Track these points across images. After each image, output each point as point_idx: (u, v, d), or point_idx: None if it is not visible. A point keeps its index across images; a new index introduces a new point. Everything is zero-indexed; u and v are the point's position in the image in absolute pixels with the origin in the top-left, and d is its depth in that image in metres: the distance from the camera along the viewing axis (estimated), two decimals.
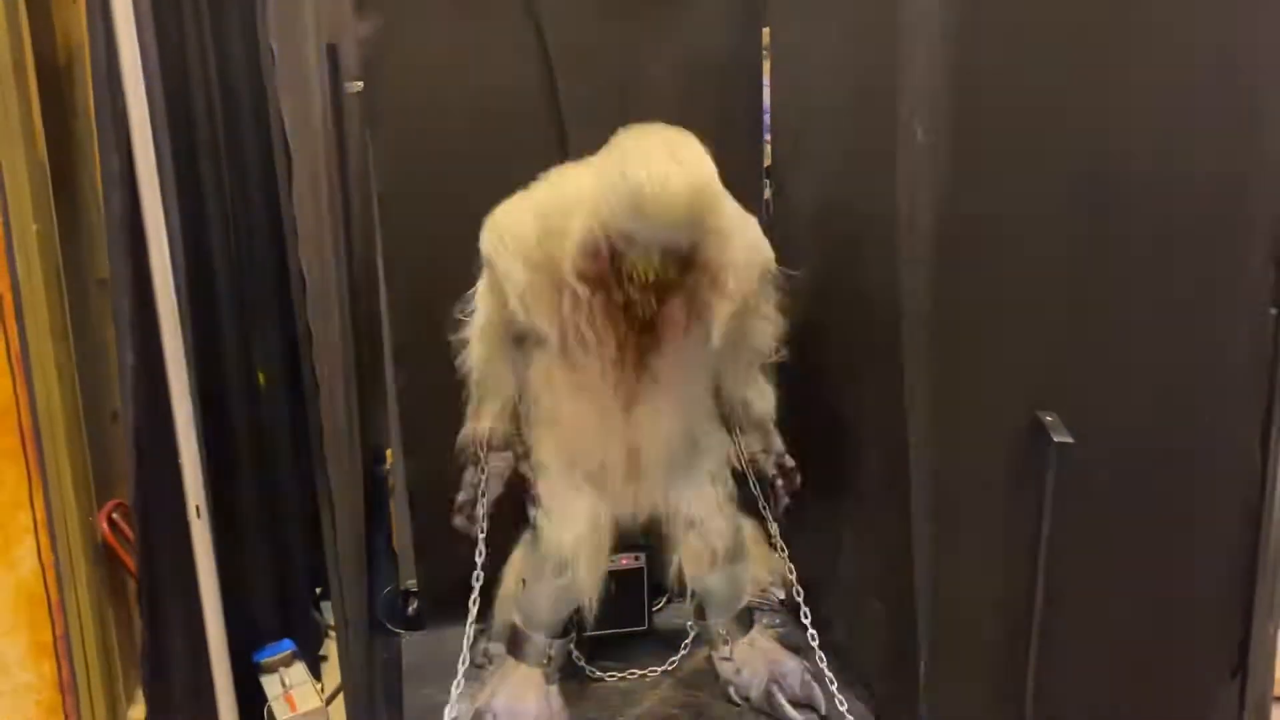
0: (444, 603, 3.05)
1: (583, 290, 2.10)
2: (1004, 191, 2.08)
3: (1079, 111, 2.06)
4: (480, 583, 2.47)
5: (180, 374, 1.82)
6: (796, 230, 2.87)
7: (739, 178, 3.06)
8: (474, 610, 2.44)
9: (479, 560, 2.47)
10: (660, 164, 1.96)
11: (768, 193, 3.14)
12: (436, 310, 2.60)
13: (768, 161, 3.15)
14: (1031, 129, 2.06)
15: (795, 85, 2.88)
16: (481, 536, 2.51)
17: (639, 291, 2.05)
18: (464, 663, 2.39)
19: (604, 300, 2.12)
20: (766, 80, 3.10)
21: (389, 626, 3.09)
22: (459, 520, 2.54)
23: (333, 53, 3.03)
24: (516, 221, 2.21)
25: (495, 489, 2.56)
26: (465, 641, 2.40)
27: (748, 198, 3.08)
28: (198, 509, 1.87)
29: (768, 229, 3.04)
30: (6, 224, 1.79)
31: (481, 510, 2.51)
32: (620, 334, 2.17)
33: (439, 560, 3.05)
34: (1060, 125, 2.06)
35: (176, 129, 2.03)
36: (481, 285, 2.36)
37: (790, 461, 2.60)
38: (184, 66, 2.15)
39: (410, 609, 3.12)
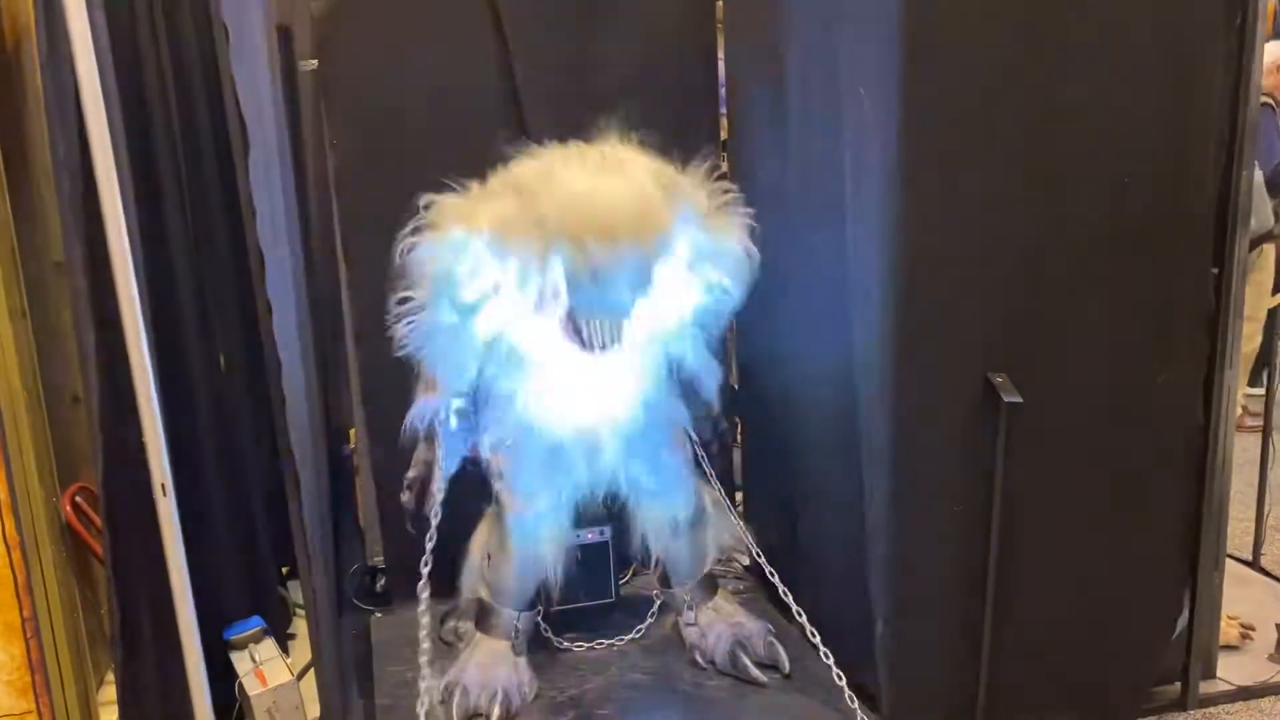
0: (412, 578, 3.08)
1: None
2: (955, 160, 2.12)
3: (1029, 78, 2.11)
4: (428, 567, 2.45)
5: (140, 352, 1.81)
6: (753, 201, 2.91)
7: (696, 151, 3.12)
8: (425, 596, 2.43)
9: (428, 545, 2.46)
10: (620, 244, 1.98)
11: (724, 165, 3.17)
12: (396, 288, 2.61)
13: (724, 134, 3.18)
14: (981, 96, 2.10)
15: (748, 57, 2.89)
16: (434, 520, 2.49)
17: (595, 339, 2.11)
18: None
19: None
20: (721, 54, 3.13)
21: (358, 603, 3.12)
22: (406, 497, 2.55)
23: (285, 33, 3.02)
24: (463, 224, 2.17)
25: (448, 466, 2.57)
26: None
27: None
28: (163, 487, 1.87)
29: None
30: None
31: (435, 487, 2.51)
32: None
33: (406, 536, 3.07)
34: (1010, 97, 2.11)
35: (129, 108, 2.02)
36: (429, 285, 2.26)
37: (724, 423, 2.63)
38: (135, 45, 2.13)
39: (378, 586, 3.14)
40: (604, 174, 2.08)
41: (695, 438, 2.65)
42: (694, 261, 2.23)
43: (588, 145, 2.21)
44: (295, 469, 2.12)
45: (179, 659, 1.98)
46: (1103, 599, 2.35)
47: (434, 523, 2.52)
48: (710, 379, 2.53)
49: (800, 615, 2.51)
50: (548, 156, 2.20)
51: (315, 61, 2.93)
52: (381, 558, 3.15)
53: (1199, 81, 2.17)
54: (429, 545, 2.50)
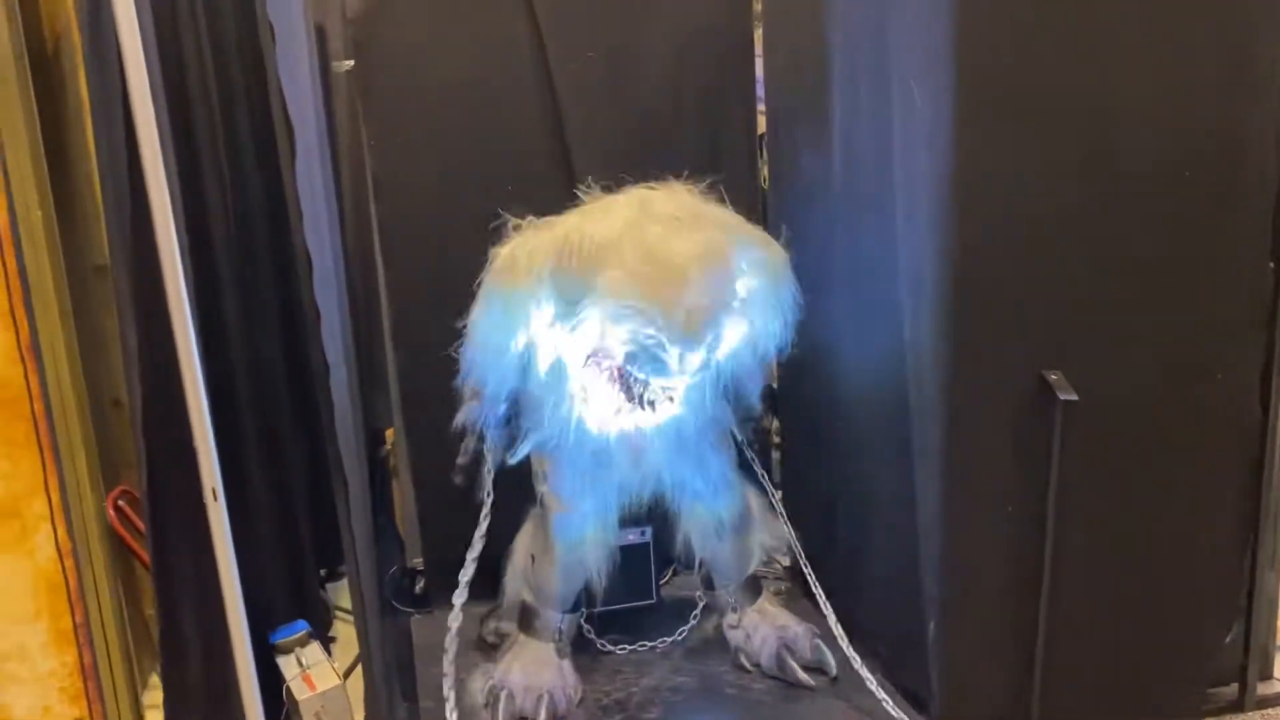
0: (451, 581, 3.06)
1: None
2: (1009, 154, 2.09)
3: (1083, 73, 2.07)
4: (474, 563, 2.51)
5: (190, 356, 1.80)
6: (792, 197, 2.89)
7: (733, 150, 3.10)
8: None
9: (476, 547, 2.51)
10: (681, 324, 1.99)
11: (763, 163, 3.14)
12: (434, 288, 2.59)
13: (761, 130, 3.14)
14: (1035, 93, 2.06)
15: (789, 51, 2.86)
16: (486, 510, 2.51)
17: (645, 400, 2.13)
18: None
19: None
20: (759, 50, 3.10)
21: (396, 605, 3.10)
22: (458, 478, 2.53)
23: (320, 33, 3.00)
24: (534, 274, 2.15)
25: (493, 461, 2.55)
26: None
27: (743, 170, 3.10)
28: (214, 492, 1.86)
29: (763, 199, 3.08)
30: (11, 209, 1.76)
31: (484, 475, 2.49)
32: None
33: (444, 538, 3.06)
34: (1064, 88, 2.07)
35: (172, 107, 2.00)
36: (486, 303, 2.26)
37: (770, 423, 2.60)
38: (178, 45, 2.12)
39: (417, 588, 3.12)
40: (668, 246, 2.05)
41: (741, 439, 2.63)
42: (747, 309, 2.22)
43: (650, 193, 2.19)
44: (344, 473, 2.10)
45: (227, 663, 1.97)
46: (1158, 599, 2.31)
47: (483, 525, 2.52)
48: (754, 385, 2.51)
49: (830, 617, 2.50)
50: (610, 207, 2.19)
51: (350, 62, 2.91)
52: (420, 560, 3.13)
53: (1259, 66, 2.12)
54: (476, 548, 2.52)
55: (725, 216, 2.23)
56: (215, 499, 1.88)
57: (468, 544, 2.71)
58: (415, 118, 2.89)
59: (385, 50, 2.86)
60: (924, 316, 2.21)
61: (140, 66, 1.74)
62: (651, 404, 2.16)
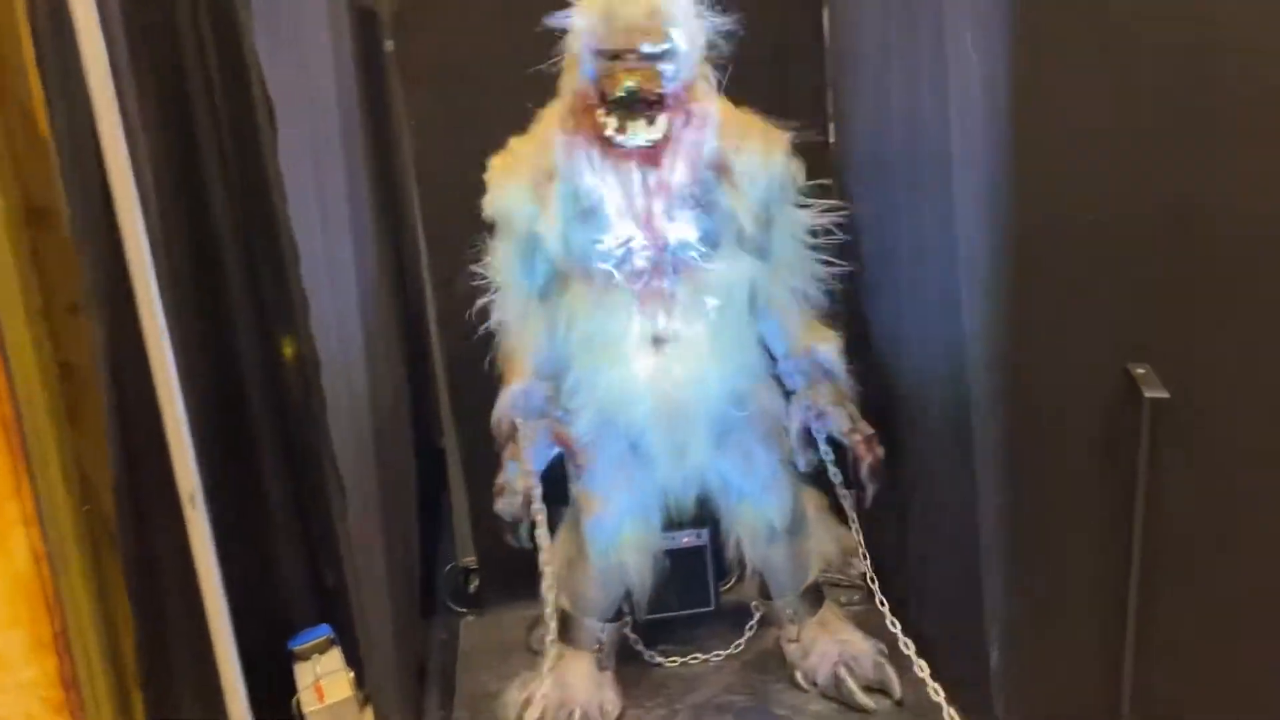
0: (504, 580, 2.94)
1: (579, 142, 2.18)
2: (1079, 109, 1.78)
3: (1167, 21, 1.75)
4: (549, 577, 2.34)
5: (160, 348, 1.69)
6: (856, 169, 2.63)
7: (800, 111, 2.85)
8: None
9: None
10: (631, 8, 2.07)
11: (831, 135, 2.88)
12: (481, 275, 2.46)
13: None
14: (1110, 32, 1.75)
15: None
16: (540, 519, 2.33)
17: (628, 110, 2.09)
18: None
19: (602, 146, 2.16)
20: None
21: (452, 606, 2.99)
22: (500, 505, 2.38)
23: (370, 15, 2.91)
24: (511, 160, 2.31)
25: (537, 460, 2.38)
26: None
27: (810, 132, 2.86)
28: (191, 498, 1.75)
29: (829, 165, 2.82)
30: None
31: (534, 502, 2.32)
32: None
33: (498, 536, 2.92)
34: (1147, 24, 1.75)
35: (164, 82, 1.87)
36: (496, 246, 2.36)
37: (869, 429, 2.33)
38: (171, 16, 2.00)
39: (471, 587, 3.01)
40: None
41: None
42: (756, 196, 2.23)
43: None
44: (337, 471, 1.98)
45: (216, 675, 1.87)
46: (1268, 626, 1.98)
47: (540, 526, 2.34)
48: (827, 347, 2.33)
49: (897, 630, 2.30)
50: None
51: (390, 43, 2.82)
52: (473, 558, 3.01)
53: None
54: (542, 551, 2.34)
55: None
56: (193, 505, 1.77)
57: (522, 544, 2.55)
58: (456, 97, 2.76)
59: (425, 31, 2.75)
60: (983, 302, 1.93)
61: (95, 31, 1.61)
62: (628, 103, 2.09)
